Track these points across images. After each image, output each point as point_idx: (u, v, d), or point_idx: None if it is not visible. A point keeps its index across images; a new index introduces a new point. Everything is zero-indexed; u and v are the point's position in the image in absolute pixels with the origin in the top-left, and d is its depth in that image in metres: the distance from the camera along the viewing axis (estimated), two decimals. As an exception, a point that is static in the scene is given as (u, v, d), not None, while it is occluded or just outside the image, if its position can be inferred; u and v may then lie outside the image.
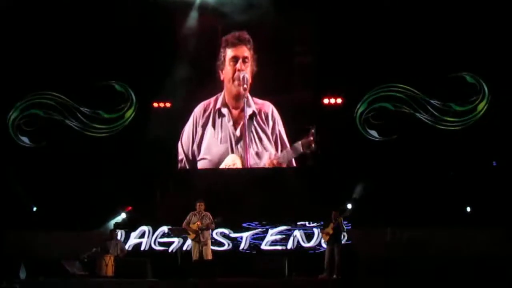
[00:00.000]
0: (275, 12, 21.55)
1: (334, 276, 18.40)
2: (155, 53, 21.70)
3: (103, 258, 18.50)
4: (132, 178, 21.43)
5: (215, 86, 22.04)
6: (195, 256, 18.33)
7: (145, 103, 22.32)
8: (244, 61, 21.66)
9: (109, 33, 21.67)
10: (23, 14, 21.68)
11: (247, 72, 21.67)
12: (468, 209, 20.60)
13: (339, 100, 21.71)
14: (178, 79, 21.85)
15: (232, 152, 21.80)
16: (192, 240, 18.43)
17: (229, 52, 21.79)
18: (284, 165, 21.69)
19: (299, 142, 21.52)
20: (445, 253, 19.14)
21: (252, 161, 21.73)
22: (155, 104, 22.30)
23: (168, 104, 22.31)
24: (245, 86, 21.65)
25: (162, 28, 21.81)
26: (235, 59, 21.73)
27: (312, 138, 21.38)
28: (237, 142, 21.78)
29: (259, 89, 21.79)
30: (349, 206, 20.14)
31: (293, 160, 21.68)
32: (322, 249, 19.26)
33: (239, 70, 21.66)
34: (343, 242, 18.82)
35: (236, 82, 21.68)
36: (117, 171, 21.58)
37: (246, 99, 21.71)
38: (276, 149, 21.73)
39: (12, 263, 19.17)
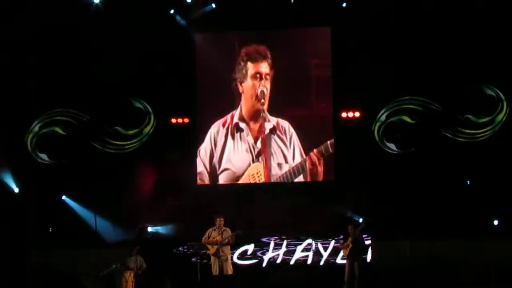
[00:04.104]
0: (292, 26, 21.64)
1: (355, 290, 18.41)
2: (173, 69, 21.72)
3: (123, 275, 18.47)
4: (151, 194, 21.51)
5: (233, 100, 22.06)
6: (215, 271, 18.30)
7: (163, 119, 22.33)
8: (265, 76, 21.62)
9: (127, 49, 21.69)
10: (43, 31, 21.79)
11: (266, 88, 21.65)
12: (496, 222, 20.56)
13: (357, 114, 21.66)
14: (196, 94, 22.03)
15: (254, 161, 21.80)
16: (212, 255, 18.41)
17: (251, 67, 21.72)
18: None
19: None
20: (466, 265, 19.08)
21: (274, 172, 21.68)
22: (173, 120, 22.33)
23: (186, 120, 22.34)
24: (262, 101, 21.65)
25: (179, 43, 21.86)
26: (257, 75, 21.69)
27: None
28: (258, 154, 21.73)
29: (276, 103, 21.74)
30: (361, 220, 20.12)
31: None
32: (343, 263, 19.23)
33: (263, 86, 21.61)
34: (365, 256, 18.84)
35: (258, 98, 21.64)
36: (135, 187, 21.65)
37: (263, 113, 21.67)
38: (294, 159, 21.66)
39: (32, 281, 19.37)
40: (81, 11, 21.47)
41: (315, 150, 21.45)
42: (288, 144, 21.65)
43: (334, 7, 21.31)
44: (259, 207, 20.59)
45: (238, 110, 21.94)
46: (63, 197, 22.05)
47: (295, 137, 21.65)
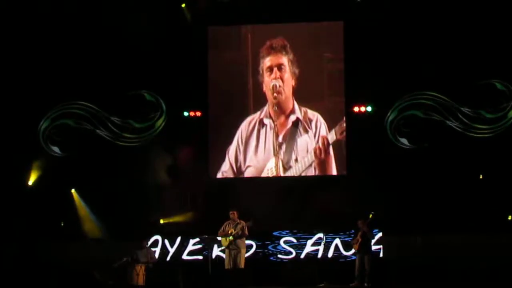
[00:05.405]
0: (305, 20, 21.63)
1: (365, 284, 18.43)
2: (186, 62, 21.74)
3: (134, 268, 18.52)
4: (163, 188, 21.56)
5: (246, 94, 22.09)
6: (228, 264, 18.36)
7: (176, 112, 22.33)
8: (279, 69, 21.61)
9: (139, 42, 21.65)
10: (54, 25, 21.81)
11: (285, 78, 21.61)
12: (510, 216, 20.57)
13: (369, 108, 21.64)
14: (209, 88, 22.06)
15: (275, 155, 21.74)
16: (226, 247, 18.49)
17: (266, 62, 21.73)
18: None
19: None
20: (479, 260, 19.08)
21: (290, 165, 21.63)
22: (186, 114, 22.32)
23: (198, 113, 22.31)
24: (275, 94, 21.63)
25: (191, 36, 21.89)
26: (270, 69, 21.67)
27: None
28: (278, 148, 21.68)
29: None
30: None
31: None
32: (353, 258, 19.27)
33: (275, 79, 21.64)
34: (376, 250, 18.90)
35: (272, 93, 21.63)
36: (147, 181, 21.68)
37: (277, 106, 21.66)
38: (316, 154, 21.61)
39: (44, 274, 19.43)
40: (94, 4, 21.50)
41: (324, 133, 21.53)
42: (313, 135, 21.58)
43: (348, 1, 21.30)
44: (272, 201, 20.59)
45: (266, 106, 21.94)
46: (73, 191, 22.10)
47: (323, 128, 21.60)
